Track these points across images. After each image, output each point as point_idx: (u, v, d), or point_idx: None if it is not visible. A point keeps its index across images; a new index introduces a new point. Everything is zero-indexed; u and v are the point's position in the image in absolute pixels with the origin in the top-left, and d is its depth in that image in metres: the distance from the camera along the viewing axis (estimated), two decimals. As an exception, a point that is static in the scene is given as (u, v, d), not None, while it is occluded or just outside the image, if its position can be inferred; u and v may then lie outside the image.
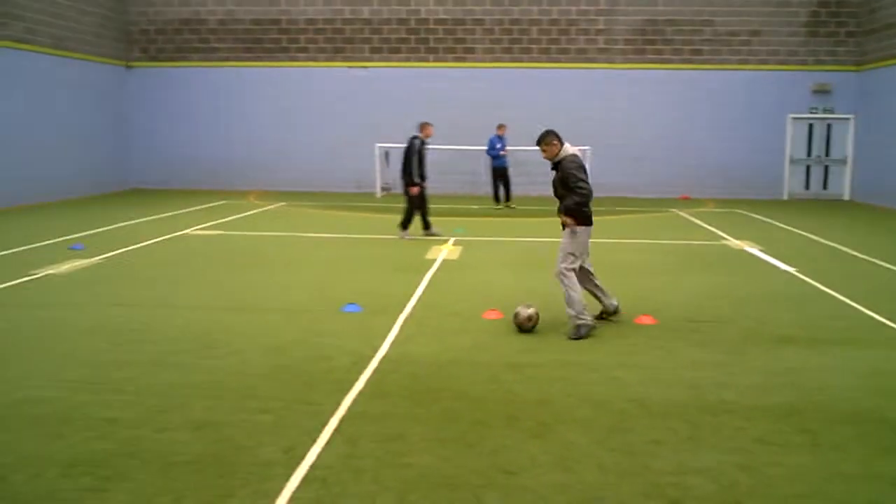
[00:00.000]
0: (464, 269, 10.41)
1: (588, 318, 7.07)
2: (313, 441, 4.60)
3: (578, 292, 7.11)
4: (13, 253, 11.16)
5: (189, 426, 4.83)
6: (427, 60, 22.56)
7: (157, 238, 12.79)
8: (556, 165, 7.25)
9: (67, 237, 12.64)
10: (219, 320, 7.51)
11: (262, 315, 7.75)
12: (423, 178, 13.03)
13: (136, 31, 23.09)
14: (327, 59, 22.77)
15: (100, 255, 11.03)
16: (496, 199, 18.62)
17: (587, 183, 7.09)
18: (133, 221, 15.05)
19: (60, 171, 19.70)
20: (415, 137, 13.14)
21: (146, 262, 10.74)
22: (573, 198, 7.07)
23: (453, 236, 13.33)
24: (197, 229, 14.01)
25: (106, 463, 4.28)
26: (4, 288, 8.81)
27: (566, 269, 7.16)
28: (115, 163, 22.66)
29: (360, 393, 5.46)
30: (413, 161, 12.95)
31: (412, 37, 22.55)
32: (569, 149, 7.26)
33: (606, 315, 7.63)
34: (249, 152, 22.86)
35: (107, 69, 22.07)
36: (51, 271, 9.78)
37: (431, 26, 22.48)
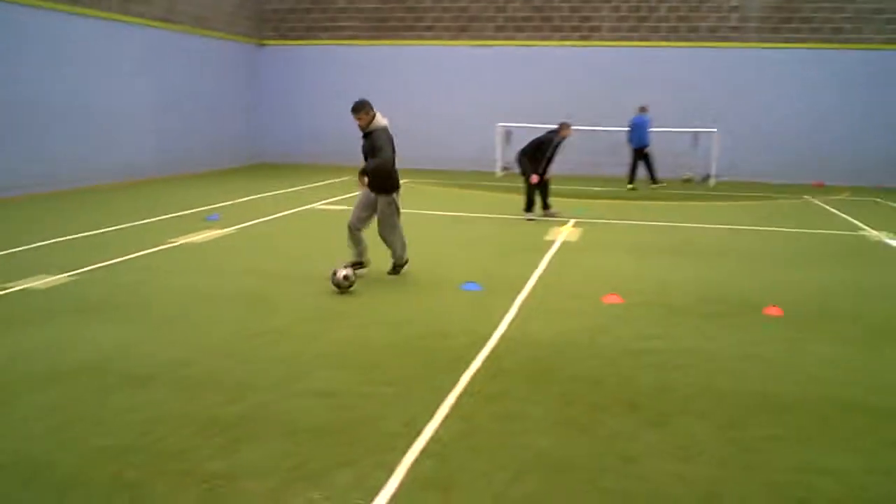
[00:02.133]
0: (583, 252, 10.33)
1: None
2: (432, 416, 4.71)
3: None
4: (155, 221, 11.86)
5: (314, 394, 5.04)
6: (551, 39, 22.33)
7: (285, 211, 13.29)
8: (368, 135, 8.17)
9: (204, 208, 13.32)
10: (343, 293, 7.75)
11: (384, 290, 7.96)
12: (544, 172, 13.05)
13: (268, 10, 23.87)
14: (452, 38, 22.89)
15: (233, 225, 11.57)
16: (631, 180, 18.33)
17: (388, 153, 8.07)
18: (263, 195, 15.67)
19: (198, 145, 20.72)
20: (553, 133, 13.14)
21: (275, 233, 11.20)
22: (371, 161, 8.15)
23: (573, 217, 13.23)
24: (322, 204, 14.46)
25: (237, 425, 4.54)
26: (147, 254, 9.40)
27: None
28: (247, 138, 23.60)
29: (478, 371, 5.55)
30: (544, 156, 12.97)
31: (536, 14, 22.35)
32: (380, 120, 8.19)
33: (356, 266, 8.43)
34: (373, 129, 23.31)
35: (241, 47, 22.95)
36: (188, 240, 10.35)
37: (556, 4, 22.20)
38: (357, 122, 8.12)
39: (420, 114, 23.01)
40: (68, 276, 8.11)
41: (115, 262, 8.88)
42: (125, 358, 5.69)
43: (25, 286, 7.68)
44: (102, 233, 10.78)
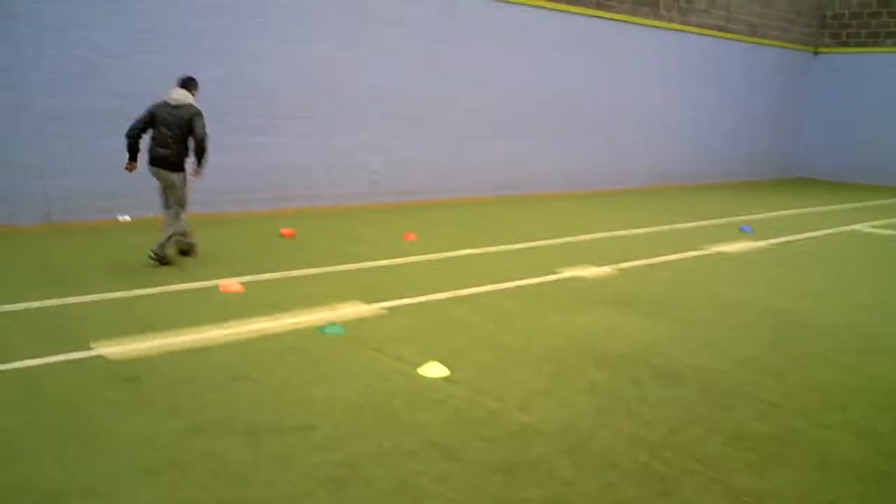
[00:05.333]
0: None
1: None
2: None
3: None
4: (690, 227, 12.21)
5: (850, 429, 4.70)
6: None
7: (823, 230, 12.53)
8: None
9: (737, 218, 13.25)
10: (884, 325, 7.06)
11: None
12: None
13: (828, 15, 22.52)
14: None
15: (767, 239, 11.30)
16: None
17: (134, 123, 8.06)
18: (798, 210, 14.99)
19: (735, 154, 20.63)
20: None
21: (811, 253, 10.63)
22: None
23: None
24: (867, 226, 13.28)
25: (765, 444, 4.44)
26: (681, 258, 9.73)
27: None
28: (787, 150, 22.73)
29: None
30: None
31: None
32: (180, 96, 8.05)
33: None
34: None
35: (794, 55, 22.08)
36: (721, 249, 10.40)
37: None
38: None
39: None
40: (611, 268, 8.78)
41: (652, 262, 9.37)
42: (655, 353, 5.97)
43: (573, 274, 8.55)
44: (636, 233, 11.42)
